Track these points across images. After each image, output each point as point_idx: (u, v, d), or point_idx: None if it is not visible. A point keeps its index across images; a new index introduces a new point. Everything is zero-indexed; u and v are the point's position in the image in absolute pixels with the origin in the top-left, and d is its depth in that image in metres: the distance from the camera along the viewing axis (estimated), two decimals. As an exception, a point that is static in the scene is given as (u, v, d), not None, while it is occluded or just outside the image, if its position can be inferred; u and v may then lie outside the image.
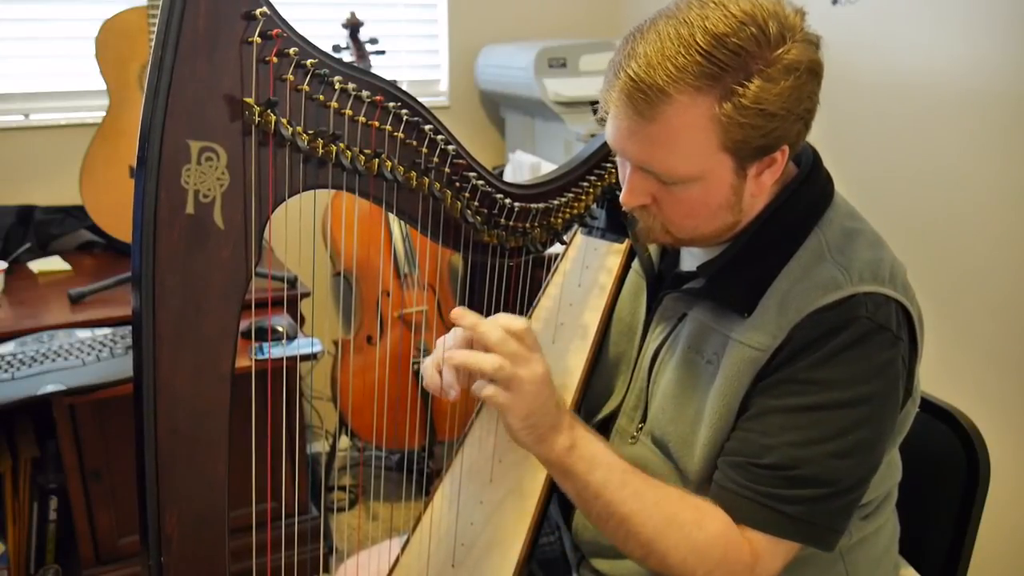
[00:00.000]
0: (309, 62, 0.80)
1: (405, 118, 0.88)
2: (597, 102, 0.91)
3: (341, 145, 0.84)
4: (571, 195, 1.06)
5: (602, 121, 0.90)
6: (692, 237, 0.95)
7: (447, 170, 0.93)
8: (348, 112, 0.84)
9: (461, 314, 0.88)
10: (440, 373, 1.06)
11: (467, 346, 1.00)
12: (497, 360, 0.85)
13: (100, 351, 1.64)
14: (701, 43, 0.80)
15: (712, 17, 0.80)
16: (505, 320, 0.87)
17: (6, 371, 1.55)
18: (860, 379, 0.87)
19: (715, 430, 0.92)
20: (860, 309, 0.87)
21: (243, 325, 1.12)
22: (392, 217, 2.27)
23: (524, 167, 2.30)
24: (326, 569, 2.09)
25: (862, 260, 0.90)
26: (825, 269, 0.89)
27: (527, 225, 1.03)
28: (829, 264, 0.90)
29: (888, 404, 0.90)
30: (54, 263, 2.12)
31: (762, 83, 0.80)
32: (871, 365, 0.87)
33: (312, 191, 0.85)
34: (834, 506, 0.89)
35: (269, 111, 0.78)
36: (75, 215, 2.18)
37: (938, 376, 1.61)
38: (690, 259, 1.03)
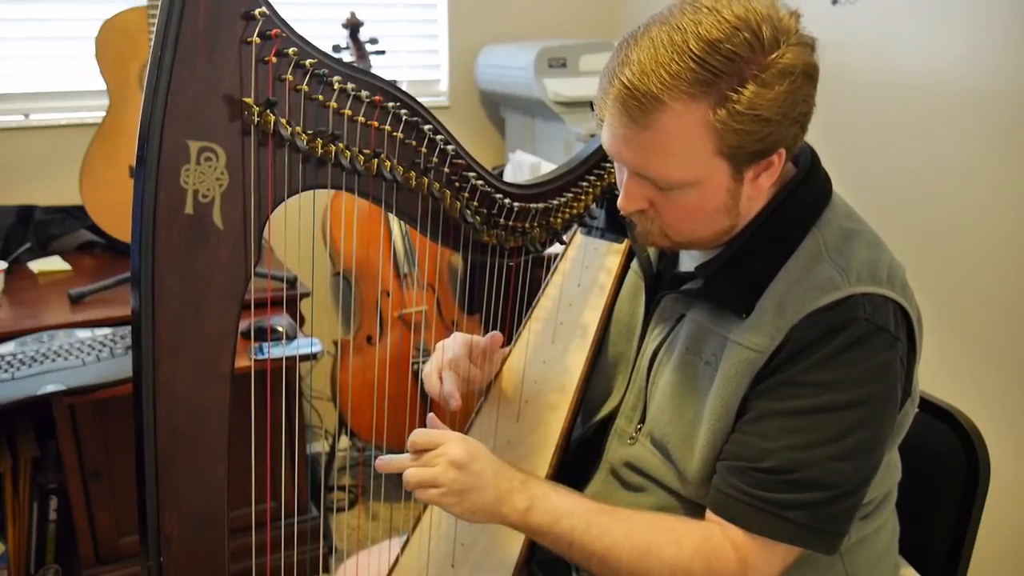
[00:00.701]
0: (308, 62, 0.80)
1: (404, 118, 0.88)
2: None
3: (340, 145, 0.84)
4: (571, 195, 1.06)
5: (599, 125, 0.90)
6: (690, 241, 0.95)
7: (446, 170, 0.93)
8: (347, 112, 0.84)
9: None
10: (441, 379, 1.07)
11: (466, 351, 1.08)
12: (418, 468, 0.91)
13: (100, 351, 1.64)
14: (694, 49, 0.79)
15: (705, 23, 0.80)
16: (413, 434, 0.93)
17: (6, 371, 1.55)
18: (859, 381, 0.87)
19: (714, 432, 0.92)
20: (858, 310, 0.87)
21: (243, 325, 1.12)
22: (392, 217, 2.27)
23: (524, 167, 2.30)
24: (326, 569, 2.09)
25: (860, 261, 0.90)
26: (823, 270, 0.89)
27: (527, 225, 1.03)
28: (827, 265, 0.90)
29: (887, 405, 0.90)
30: (54, 263, 2.12)
31: (756, 88, 0.80)
32: (869, 367, 0.87)
33: (311, 191, 0.85)
34: (836, 510, 0.88)
35: (268, 111, 0.78)
36: (75, 215, 2.18)
37: (938, 376, 1.62)
38: (689, 260, 1.03)
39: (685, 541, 0.90)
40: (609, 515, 0.92)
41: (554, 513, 0.91)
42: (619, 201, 0.93)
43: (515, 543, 1.03)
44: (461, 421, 1.19)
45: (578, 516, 0.91)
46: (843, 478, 0.87)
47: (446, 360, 1.08)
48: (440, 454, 0.91)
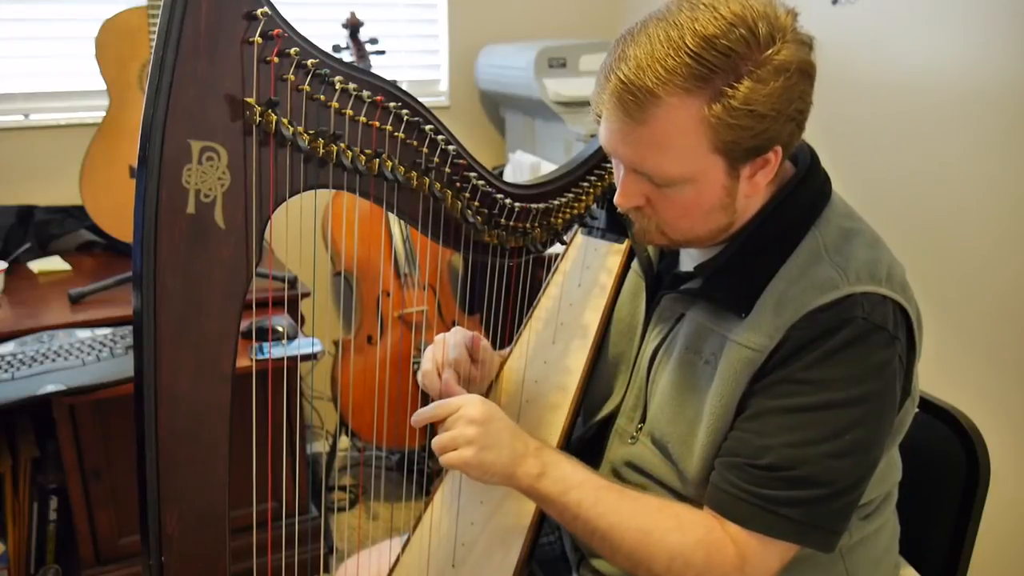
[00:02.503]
0: (310, 62, 0.80)
1: (405, 118, 0.88)
2: None
3: (342, 145, 0.84)
4: (571, 195, 1.07)
5: (597, 122, 0.90)
6: (687, 238, 0.95)
7: (447, 170, 0.93)
8: (349, 112, 0.84)
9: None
10: (439, 376, 1.07)
11: (466, 346, 1.08)
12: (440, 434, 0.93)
13: (100, 351, 1.64)
14: (690, 45, 0.80)
15: (702, 19, 0.80)
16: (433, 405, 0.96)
17: (6, 371, 1.55)
18: (857, 379, 0.87)
19: (713, 431, 0.92)
20: (857, 309, 0.87)
21: (243, 325, 1.12)
22: (392, 217, 2.27)
23: (524, 167, 2.30)
24: (326, 569, 2.09)
25: (859, 260, 0.90)
26: (822, 269, 0.89)
27: (527, 225, 1.03)
28: (826, 264, 0.90)
29: (885, 404, 0.90)
30: (54, 263, 2.12)
31: (752, 84, 0.81)
32: (868, 365, 0.87)
33: (311, 191, 0.85)
34: (832, 507, 0.89)
35: (270, 111, 0.78)
36: (75, 215, 2.18)
37: (938, 376, 1.61)
38: (688, 260, 1.03)
39: (688, 530, 0.90)
40: (617, 493, 0.93)
41: (565, 483, 0.92)
42: (616, 197, 0.93)
43: (516, 544, 1.03)
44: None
45: (587, 489, 0.92)
46: (840, 475, 0.88)
47: (448, 360, 1.08)
48: (459, 416, 0.93)
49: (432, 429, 0.97)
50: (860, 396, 0.87)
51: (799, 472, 0.87)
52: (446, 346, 1.09)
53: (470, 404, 0.94)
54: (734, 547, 0.89)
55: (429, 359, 1.09)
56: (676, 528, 0.90)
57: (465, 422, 0.92)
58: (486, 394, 1.15)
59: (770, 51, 0.81)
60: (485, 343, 1.12)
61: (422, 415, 0.96)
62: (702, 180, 0.87)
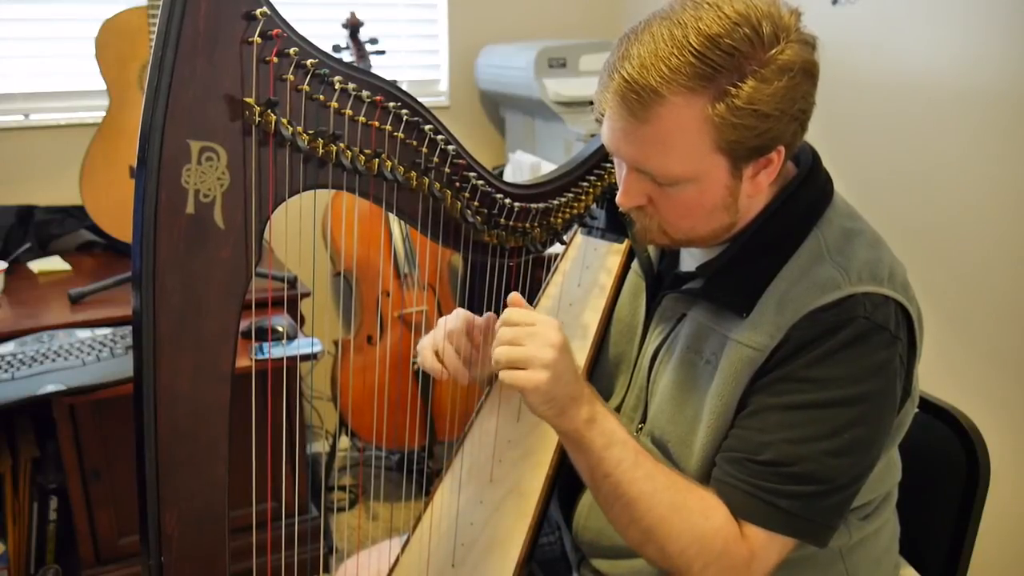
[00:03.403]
0: (309, 62, 0.80)
1: (405, 118, 0.88)
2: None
3: (341, 145, 0.84)
4: (571, 195, 1.06)
5: (599, 122, 0.90)
6: (689, 238, 0.95)
7: (447, 170, 0.93)
8: (348, 112, 0.84)
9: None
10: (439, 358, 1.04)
11: (466, 328, 1.04)
12: (508, 346, 0.87)
13: (100, 351, 1.64)
14: (694, 44, 0.80)
15: (706, 18, 0.80)
16: (507, 311, 0.90)
17: (6, 371, 1.55)
18: (857, 378, 0.87)
19: (713, 430, 0.92)
20: (858, 309, 0.87)
21: (243, 325, 1.12)
22: (392, 217, 2.27)
23: (524, 167, 2.30)
24: (326, 569, 2.09)
25: (861, 260, 0.90)
26: (823, 269, 0.89)
27: (527, 225, 1.03)
28: (828, 264, 0.90)
29: (885, 403, 0.90)
30: (54, 263, 2.12)
31: (756, 84, 0.81)
32: (868, 364, 0.87)
33: (312, 191, 0.85)
34: (828, 503, 0.89)
35: (269, 111, 0.78)
36: (75, 215, 2.18)
37: (938, 376, 1.62)
38: (689, 259, 1.03)
39: (713, 515, 0.89)
40: (654, 463, 0.91)
41: (611, 436, 0.89)
42: (618, 197, 0.93)
43: (515, 543, 1.03)
44: (461, 421, 1.19)
45: (629, 450, 0.89)
46: (838, 473, 0.88)
47: (445, 332, 1.05)
48: (535, 333, 0.87)
49: (432, 429, 0.96)
50: (860, 395, 0.87)
51: (797, 468, 0.87)
52: (446, 324, 1.06)
53: (548, 325, 0.88)
54: (745, 540, 0.89)
55: (427, 337, 1.07)
56: (702, 511, 0.89)
57: (543, 343, 0.86)
58: (486, 394, 1.15)
59: (774, 51, 0.81)
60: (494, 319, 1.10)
61: (512, 309, 0.89)
62: (705, 179, 0.87)
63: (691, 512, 0.88)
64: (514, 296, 0.94)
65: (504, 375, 0.87)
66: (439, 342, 1.04)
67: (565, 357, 0.88)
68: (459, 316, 1.06)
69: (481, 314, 1.07)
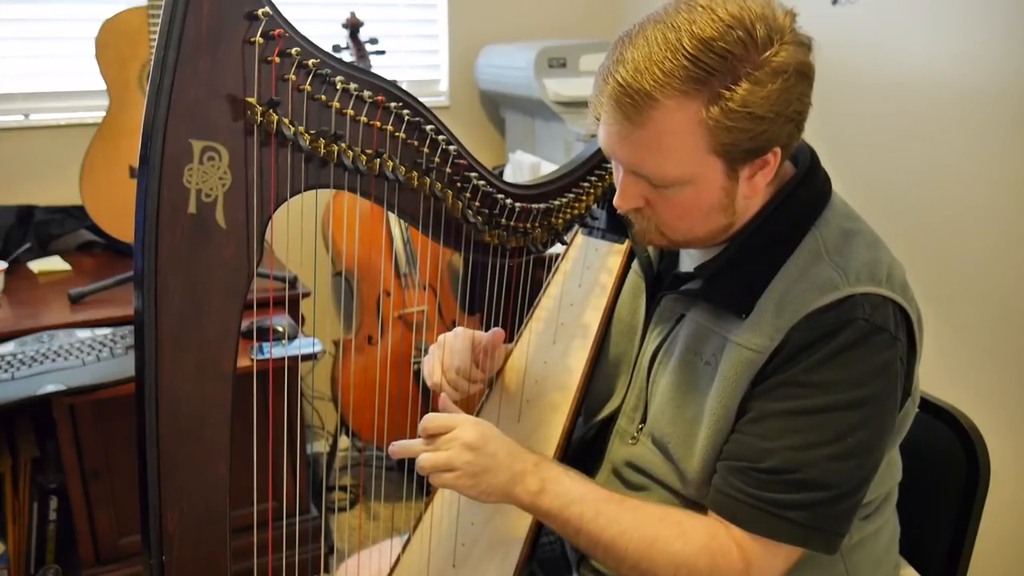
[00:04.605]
0: (311, 62, 0.80)
1: (406, 118, 0.88)
2: None
3: (343, 145, 0.84)
4: (572, 195, 1.07)
5: (596, 119, 0.90)
6: (686, 239, 0.95)
7: (448, 170, 0.94)
8: (350, 112, 0.84)
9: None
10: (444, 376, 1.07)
11: (471, 354, 1.09)
12: (431, 453, 0.92)
13: (100, 351, 1.64)
14: (688, 47, 0.80)
15: (699, 21, 0.80)
16: (425, 418, 0.94)
17: (6, 371, 1.55)
18: (858, 381, 0.87)
19: (714, 432, 0.92)
20: (857, 310, 0.87)
21: (244, 325, 1.12)
22: (392, 217, 2.27)
23: (524, 167, 2.30)
24: (326, 569, 2.09)
25: (859, 261, 0.90)
26: (822, 270, 0.89)
27: (528, 225, 1.03)
28: (826, 265, 0.90)
29: (887, 405, 0.90)
30: (54, 263, 2.12)
31: (750, 86, 0.81)
32: (869, 367, 0.87)
33: (313, 191, 0.85)
34: (836, 509, 0.88)
35: (271, 111, 0.78)
36: (75, 215, 2.18)
37: (938, 376, 1.61)
38: (689, 260, 1.03)
39: (692, 536, 0.90)
40: (618, 504, 0.93)
41: (565, 498, 0.92)
42: (615, 199, 0.93)
43: (516, 543, 1.03)
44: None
45: (588, 503, 0.92)
46: (843, 478, 0.88)
47: (450, 366, 1.08)
48: (454, 438, 0.91)
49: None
50: (862, 398, 0.87)
51: (802, 475, 0.87)
52: (449, 352, 1.09)
53: (465, 426, 0.92)
54: (738, 551, 0.89)
55: (431, 364, 1.09)
56: (679, 536, 0.90)
57: (460, 446, 0.91)
58: (487, 394, 1.16)
59: (768, 53, 0.81)
60: (500, 341, 1.12)
61: (405, 449, 0.93)
62: (701, 181, 0.87)
63: (667, 541, 0.90)
64: (443, 399, 1.03)
65: (433, 479, 0.91)
66: (443, 368, 1.09)
67: (488, 449, 0.91)
68: (461, 341, 1.09)
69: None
